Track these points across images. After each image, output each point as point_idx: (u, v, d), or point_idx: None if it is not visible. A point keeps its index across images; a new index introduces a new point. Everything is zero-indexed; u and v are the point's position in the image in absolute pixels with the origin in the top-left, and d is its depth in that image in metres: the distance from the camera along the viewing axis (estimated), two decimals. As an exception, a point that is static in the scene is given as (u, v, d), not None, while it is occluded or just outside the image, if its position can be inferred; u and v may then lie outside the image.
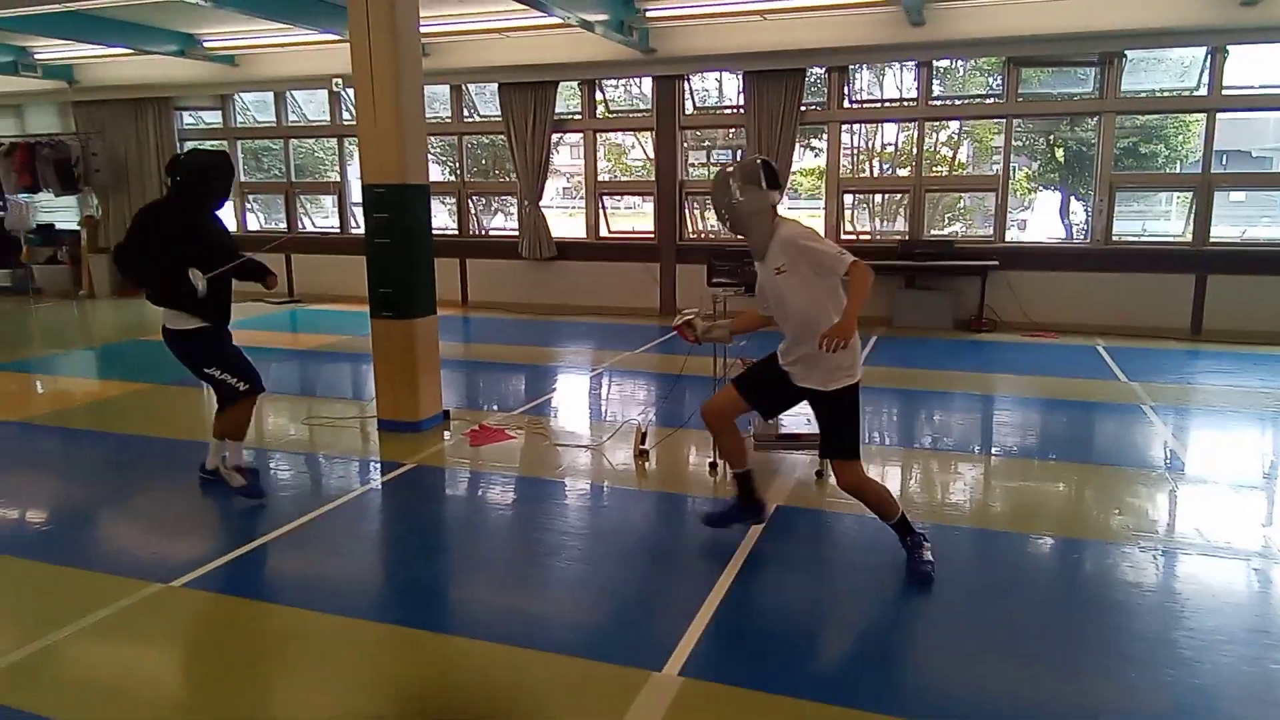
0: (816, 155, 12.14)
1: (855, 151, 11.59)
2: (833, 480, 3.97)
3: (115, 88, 12.63)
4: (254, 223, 13.79)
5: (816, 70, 10.56)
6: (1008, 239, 10.31)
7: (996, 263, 9.85)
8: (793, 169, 10.84)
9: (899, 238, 10.67)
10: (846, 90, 10.68)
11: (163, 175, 13.01)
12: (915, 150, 10.61)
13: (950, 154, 12.05)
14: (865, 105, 11.07)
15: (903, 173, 11.30)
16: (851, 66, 10.59)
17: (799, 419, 5.06)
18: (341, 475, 5.38)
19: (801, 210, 13.55)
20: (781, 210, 3.86)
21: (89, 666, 3.19)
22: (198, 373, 4.66)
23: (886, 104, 11.17)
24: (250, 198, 13.74)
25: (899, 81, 11.28)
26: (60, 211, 13.75)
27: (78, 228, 13.56)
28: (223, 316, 4.63)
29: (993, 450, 5.92)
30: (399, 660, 3.25)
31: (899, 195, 11.29)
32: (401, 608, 3.63)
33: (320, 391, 7.79)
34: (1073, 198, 11.23)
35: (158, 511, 4.73)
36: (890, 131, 11.75)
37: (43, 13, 8.61)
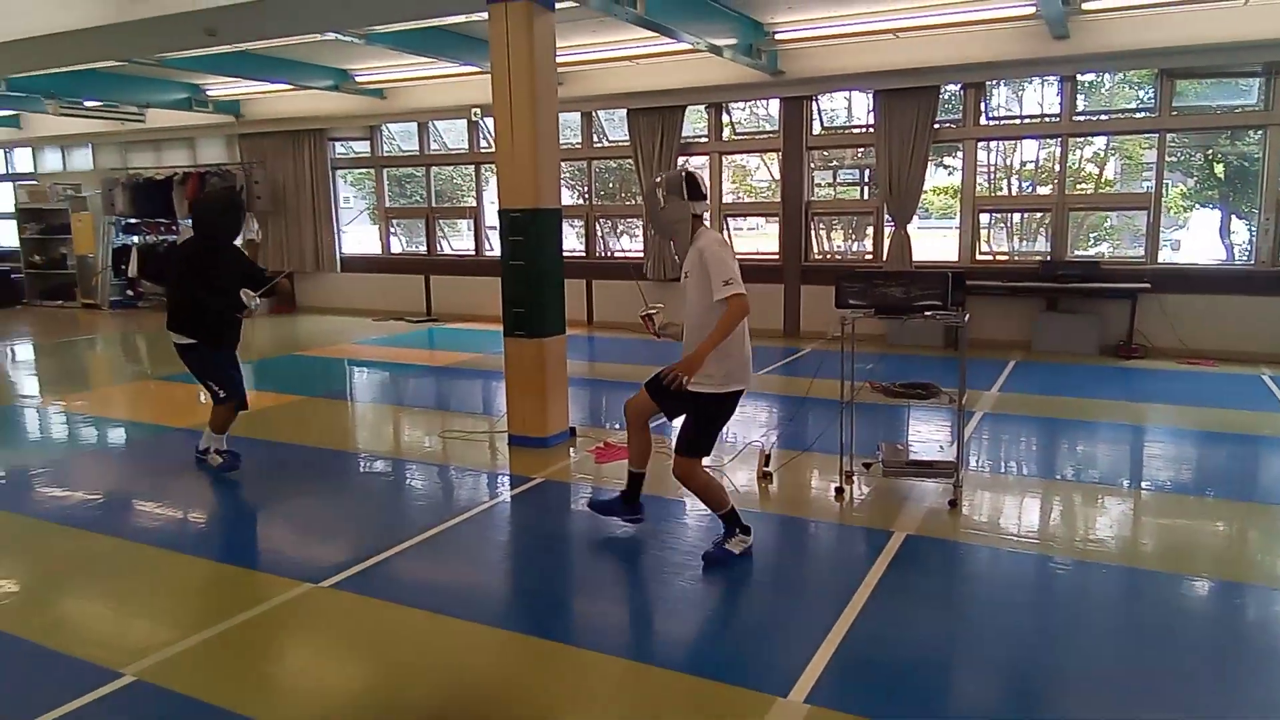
0: (950, 173, 11.79)
1: (992, 169, 11.17)
2: (966, 509, 3.88)
3: (276, 120, 13.64)
4: (396, 245, 14.54)
5: (951, 87, 10.29)
6: (1160, 260, 9.70)
7: (1148, 285, 9.28)
8: (924, 187, 10.56)
9: (1039, 258, 10.21)
10: (983, 106, 10.35)
11: (314, 201, 13.97)
12: (1058, 167, 10.15)
13: (1096, 171, 11.45)
14: (1004, 122, 10.68)
15: (1044, 190, 10.81)
16: (989, 82, 10.26)
17: (930, 446, 4.91)
18: (473, 487, 5.58)
19: (933, 230, 13.17)
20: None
21: (246, 658, 3.43)
22: (197, 378, 5.63)
23: (1026, 120, 10.73)
24: (394, 223, 14.51)
25: (1040, 96, 10.83)
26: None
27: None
28: (214, 338, 5.51)
29: (1143, 484, 5.56)
30: (528, 669, 3.35)
31: (1039, 214, 10.81)
32: (529, 617, 3.73)
33: (454, 406, 8.11)
34: (1234, 216, 10.45)
35: (306, 516, 5.05)
36: (1030, 148, 11.27)
37: (217, 53, 9.44)
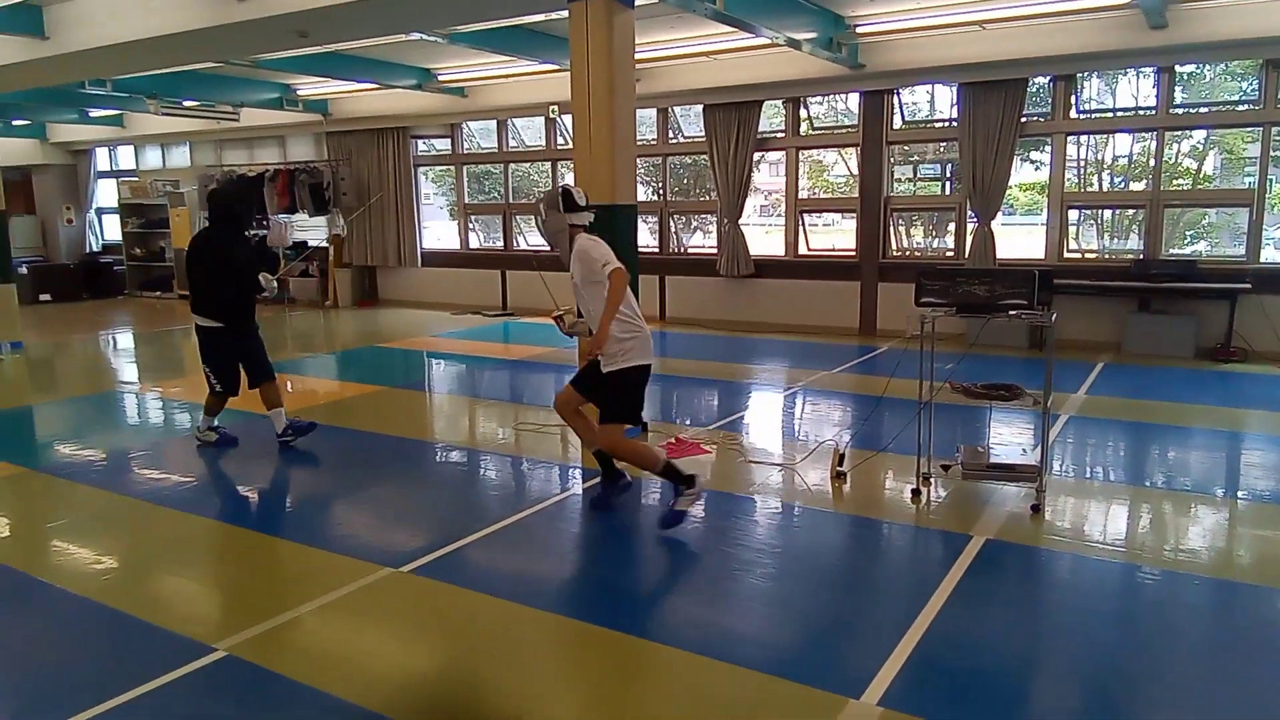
0: (1037, 168, 11.42)
1: (1082, 164, 10.77)
2: (1049, 514, 3.89)
3: (361, 119, 14.04)
4: (474, 241, 14.82)
5: (1040, 79, 9.96)
6: (1264, 259, 9.22)
7: (1249, 285, 8.83)
8: (1010, 183, 10.26)
9: (1132, 257, 9.82)
10: (1074, 99, 9.99)
11: (397, 197, 14.33)
12: (1152, 162, 9.73)
13: (1195, 166, 10.93)
14: (1095, 115, 10.29)
15: (1137, 186, 10.39)
16: (1080, 74, 9.90)
17: (1013, 449, 4.78)
18: (546, 479, 5.66)
19: (1017, 226, 12.77)
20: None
21: (328, 638, 3.56)
22: (203, 360, 6.04)
23: (1120, 113, 10.32)
24: (472, 218, 14.78)
25: (1134, 88, 10.39)
26: (312, 230, 15.43)
27: (326, 245, 15.16)
28: (239, 321, 5.94)
29: (1240, 493, 5.30)
30: (598, 660, 3.39)
31: (1132, 211, 10.39)
32: (600, 609, 3.77)
33: (528, 399, 8.23)
34: (1346, 213, 9.86)
35: (386, 502, 5.21)
36: (1123, 142, 10.83)
37: (308, 54, 9.78)
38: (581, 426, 4.87)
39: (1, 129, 16.07)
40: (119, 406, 8.06)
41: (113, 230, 18.07)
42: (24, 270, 15.44)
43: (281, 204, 14.72)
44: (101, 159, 18.30)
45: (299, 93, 13.19)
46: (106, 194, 18.35)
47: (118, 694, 3.04)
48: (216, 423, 6.33)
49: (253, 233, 15.13)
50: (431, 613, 3.77)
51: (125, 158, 18.24)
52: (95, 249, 18.38)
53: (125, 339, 12.26)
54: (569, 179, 11.25)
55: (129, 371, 10.04)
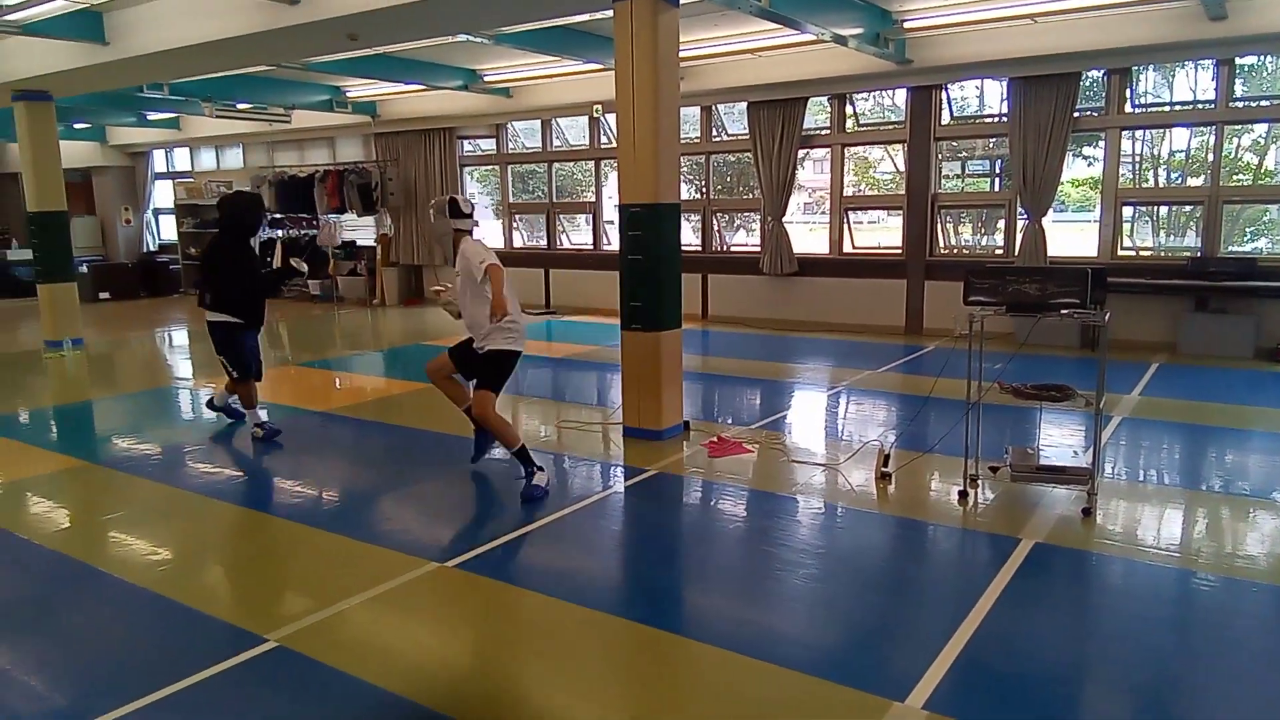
0: (1090, 164, 11.17)
1: (1137, 159, 10.50)
2: (1100, 518, 3.85)
3: (408, 120, 14.23)
4: (518, 240, 14.93)
5: (1093, 73, 9.74)
6: (1329, 257, 8.91)
7: (1313, 284, 8.54)
8: (1061, 179, 10.04)
9: (1189, 254, 9.56)
10: (1129, 93, 9.75)
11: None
12: (1211, 157, 9.46)
13: (1256, 160, 10.60)
14: (1151, 109, 10.03)
15: (1195, 182, 10.10)
16: (1135, 67, 9.65)
17: (1063, 451, 4.68)
18: (588, 477, 5.69)
19: (1069, 223, 12.51)
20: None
21: (375, 631, 3.62)
22: (219, 353, 6.39)
23: (1177, 107, 10.05)
24: (516, 217, 14.90)
25: (1192, 81, 10.11)
26: (361, 230, 15.68)
27: (374, 244, 15.39)
28: (254, 317, 6.41)
29: (1303, 500, 5.13)
30: (640, 657, 3.40)
31: (1189, 207, 10.11)
32: (643, 607, 3.78)
33: (569, 397, 8.27)
34: None
35: (431, 498, 5.28)
36: (1180, 137, 10.53)
37: (357, 57, 9.95)
38: (451, 390, 5.57)
39: (63, 132, 16.48)
40: (174, 402, 8.28)
41: (169, 230, 18.57)
42: (84, 269, 15.94)
43: (331, 204, 14.99)
44: (158, 161, 18.81)
45: (348, 95, 13.41)
46: (163, 195, 18.87)
47: (173, 682, 3.12)
48: (265, 416, 6.61)
49: (298, 233, 15.47)
50: (475, 607, 3.81)
51: (181, 159, 18.72)
52: (152, 248, 18.92)
53: (180, 336, 12.58)
54: (613, 178, 11.28)
55: (183, 368, 10.30)
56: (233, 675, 3.20)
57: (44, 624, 3.72)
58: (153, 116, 15.48)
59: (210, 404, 7.04)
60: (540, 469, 5.12)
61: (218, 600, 3.90)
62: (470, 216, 5.29)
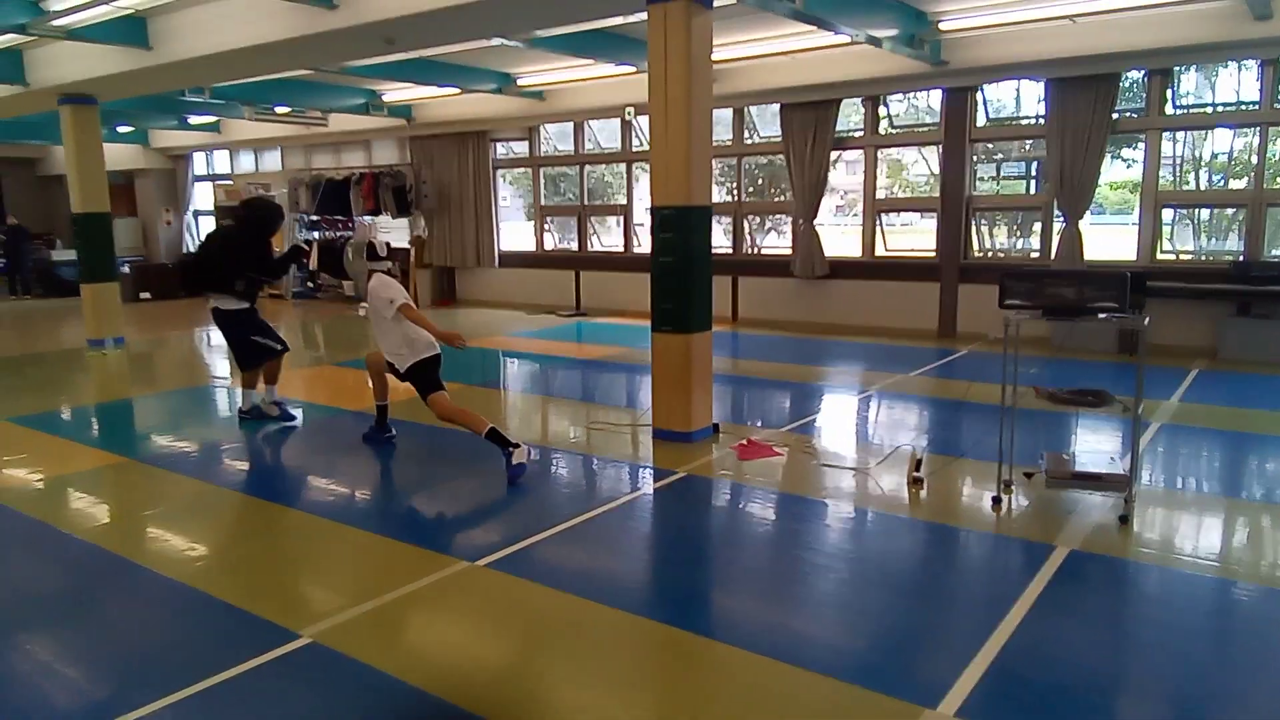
0: (1129, 166, 10.99)
1: (1178, 161, 10.31)
2: (1137, 525, 3.89)
3: (443, 123, 14.36)
4: (550, 242, 15.00)
5: (1133, 73, 9.58)
6: (1378, 261, 8.68)
7: (1361, 289, 8.32)
8: (1099, 181, 9.88)
9: (1230, 258, 9.36)
10: (1170, 94, 9.58)
11: (476, 200, 14.60)
12: (1255, 159, 9.26)
13: (1302, 162, 10.35)
14: (1193, 110, 9.84)
15: (1237, 185, 9.89)
16: (1177, 68, 9.48)
17: (1099, 457, 4.61)
18: (617, 478, 5.70)
19: (1107, 226, 12.31)
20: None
21: (407, 628, 3.66)
22: (244, 340, 6.80)
23: (1220, 108, 9.85)
24: (548, 219, 14.97)
25: (1236, 82, 9.90)
26: (395, 232, 15.84)
27: (408, 246, 15.55)
28: (251, 299, 6.80)
29: (1350, 510, 5.00)
30: (669, 659, 3.40)
31: (1231, 210, 9.91)
32: (671, 608, 3.78)
33: (599, 399, 8.29)
34: None
35: (462, 497, 5.32)
36: (1223, 138, 10.33)
37: (393, 61, 10.07)
38: (379, 384, 6.10)
39: (107, 135, 16.92)
40: (211, 400, 8.43)
41: (208, 232, 18.89)
42: (126, 269, 16.27)
43: (367, 206, 15.18)
44: (198, 163, 19.17)
45: (384, 98, 13.57)
46: (203, 197, 19.22)
47: (209, 676, 3.17)
48: (258, 400, 6.96)
49: (334, 235, 15.67)
50: (505, 606, 3.84)
51: (221, 162, 19.07)
52: (192, 249, 19.27)
53: (218, 336, 12.76)
54: (644, 181, 11.29)
55: (221, 367, 10.48)
56: (267, 670, 3.25)
57: (83, 617, 3.81)
58: (193, 120, 15.78)
59: (243, 414, 6.98)
60: (517, 445, 5.34)
61: (252, 595, 3.95)
62: (385, 259, 5.89)
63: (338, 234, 15.84)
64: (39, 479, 5.68)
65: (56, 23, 8.20)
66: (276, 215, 7.09)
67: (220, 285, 6.68)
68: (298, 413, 7.21)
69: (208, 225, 18.86)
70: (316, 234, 16.01)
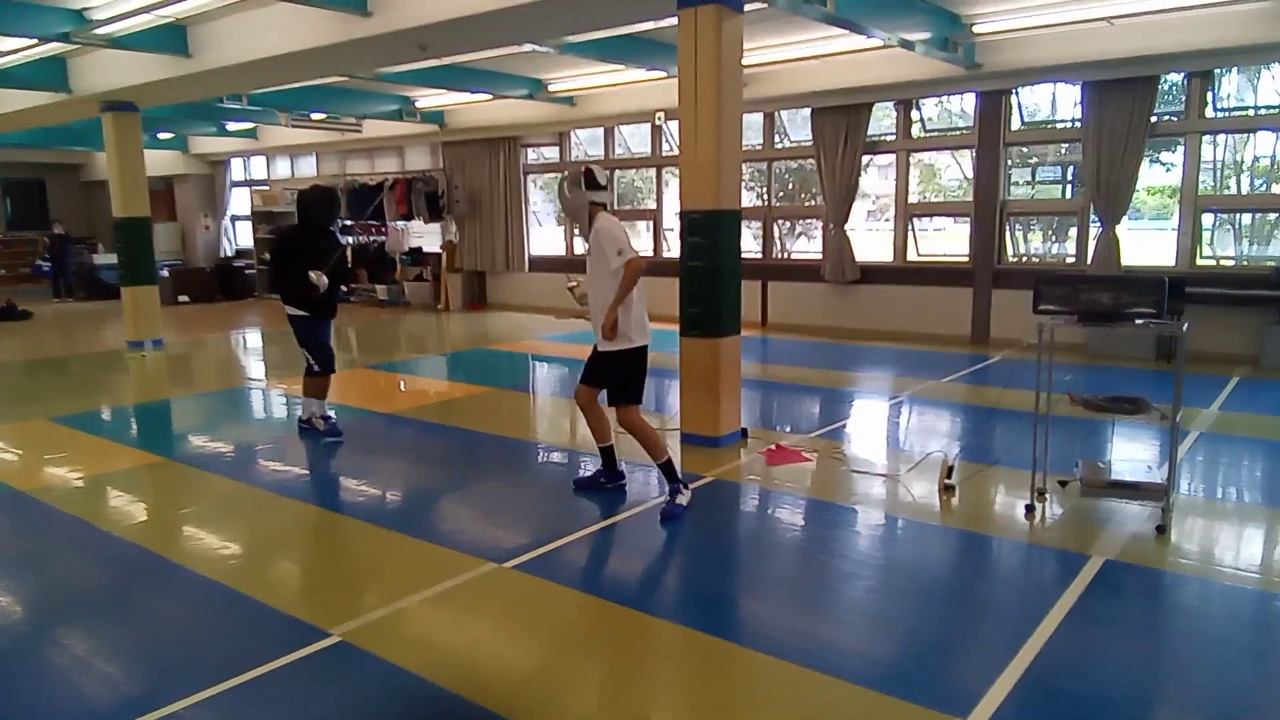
0: (1168, 170, 10.80)
1: (1218, 165, 10.11)
2: (1175, 536, 3.85)
3: (475, 129, 14.49)
4: (579, 246, 15.01)
5: (1173, 76, 9.41)
6: None
7: None
8: (1137, 185, 9.72)
9: (1273, 264, 9.15)
10: (1210, 97, 9.40)
11: (507, 205, 14.70)
12: (1299, 163, 9.06)
13: (1348, 166, 10.11)
14: (1234, 113, 9.65)
15: (1281, 189, 9.69)
16: (1218, 70, 9.30)
17: (1136, 466, 4.53)
18: (645, 482, 5.68)
19: (1145, 231, 12.09)
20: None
21: (435, 629, 3.68)
22: (302, 346, 6.51)
23: (1262, 111, 9.64)
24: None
25: (1279, 84, 9.69)
26: (427, 236, 16.00)
27: (439, 251, 15.69)
28: (321, 311, 6.47)
29: (1398, 522, 4.86)
30: (696, 664, 3.38)
31: (1274, 215, 9.70)
32: (698, 613, 3.76)
33: (630, 403, 8.27)
34: None
35: (491, 499, 5.35)
36: (1266, 142, 10.11)
37: (427, 67, 10.18)
38: (595, 420, 5.19)
39: (147, 141, 17.27)
40: (247, 402, 8.55)
41: (245, 236, 19.23)
42: (165, 273, 16.58)
43: (399, 211, 15.34)
44: (236, 169, 19.51)
45: (417, 105, 13.72)
46: (240, 202, 19.55)
47: (240, 673, 3.22)
48: (331, 412, 6.77)
49: (367, 240, 15.85)
50: (532, 609, 3.84)
51: (257, 168, 19.38)
52: (229, 254, 19.62)
53: (254, 339, 13.00)
54: (674, 186, 11.29)
55: (257, 369, 10.64)
56: (298, 668, 3.28)
57: (119, 613, 3.88)
58: (232, 126, 16.06)
59: (302, 424, 6.80)
60: (686, 487, 4.93)
61: (284, 594, 4.00)
62: (606, 189, 4.92)
63: (370, 239, 16.02)
64: (79, 477, 5.80)
65: (99, 31, 8.38)
66: (322, 204, 6.50)
67: (284, 295, 6.49)
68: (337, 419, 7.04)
69: (245, 230, 19.18)
70: (350, 239, 16.19)
